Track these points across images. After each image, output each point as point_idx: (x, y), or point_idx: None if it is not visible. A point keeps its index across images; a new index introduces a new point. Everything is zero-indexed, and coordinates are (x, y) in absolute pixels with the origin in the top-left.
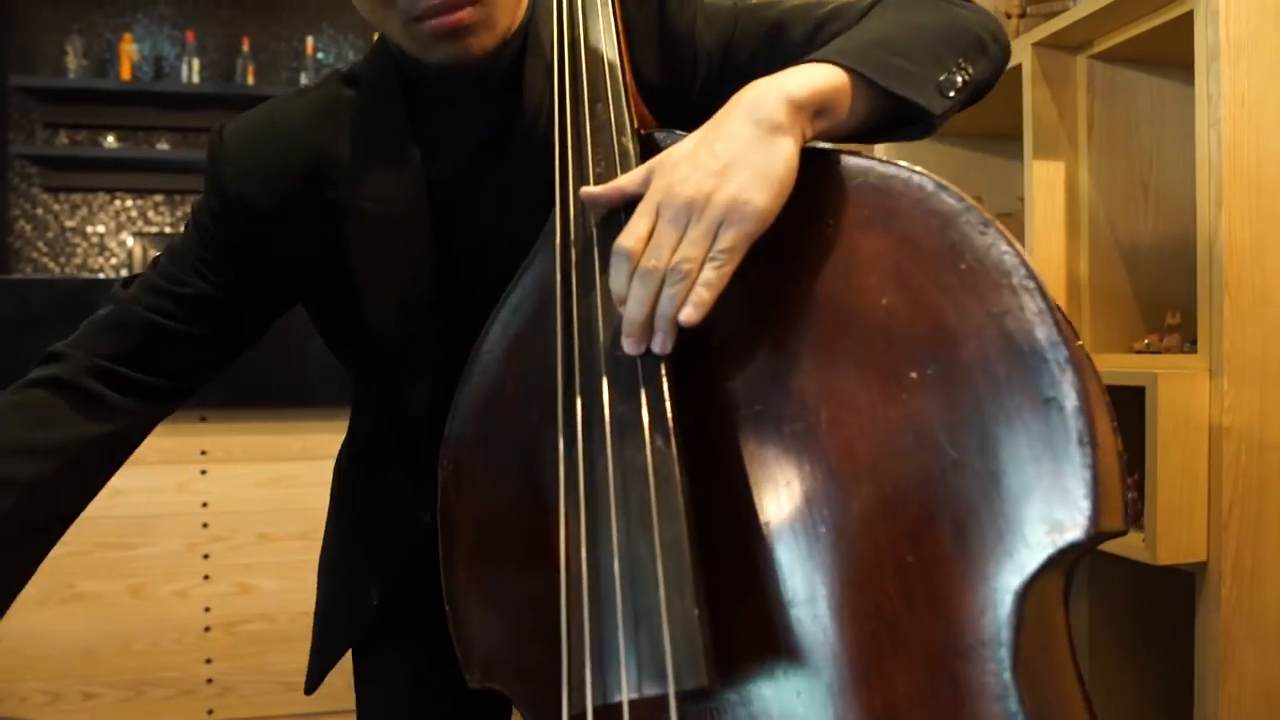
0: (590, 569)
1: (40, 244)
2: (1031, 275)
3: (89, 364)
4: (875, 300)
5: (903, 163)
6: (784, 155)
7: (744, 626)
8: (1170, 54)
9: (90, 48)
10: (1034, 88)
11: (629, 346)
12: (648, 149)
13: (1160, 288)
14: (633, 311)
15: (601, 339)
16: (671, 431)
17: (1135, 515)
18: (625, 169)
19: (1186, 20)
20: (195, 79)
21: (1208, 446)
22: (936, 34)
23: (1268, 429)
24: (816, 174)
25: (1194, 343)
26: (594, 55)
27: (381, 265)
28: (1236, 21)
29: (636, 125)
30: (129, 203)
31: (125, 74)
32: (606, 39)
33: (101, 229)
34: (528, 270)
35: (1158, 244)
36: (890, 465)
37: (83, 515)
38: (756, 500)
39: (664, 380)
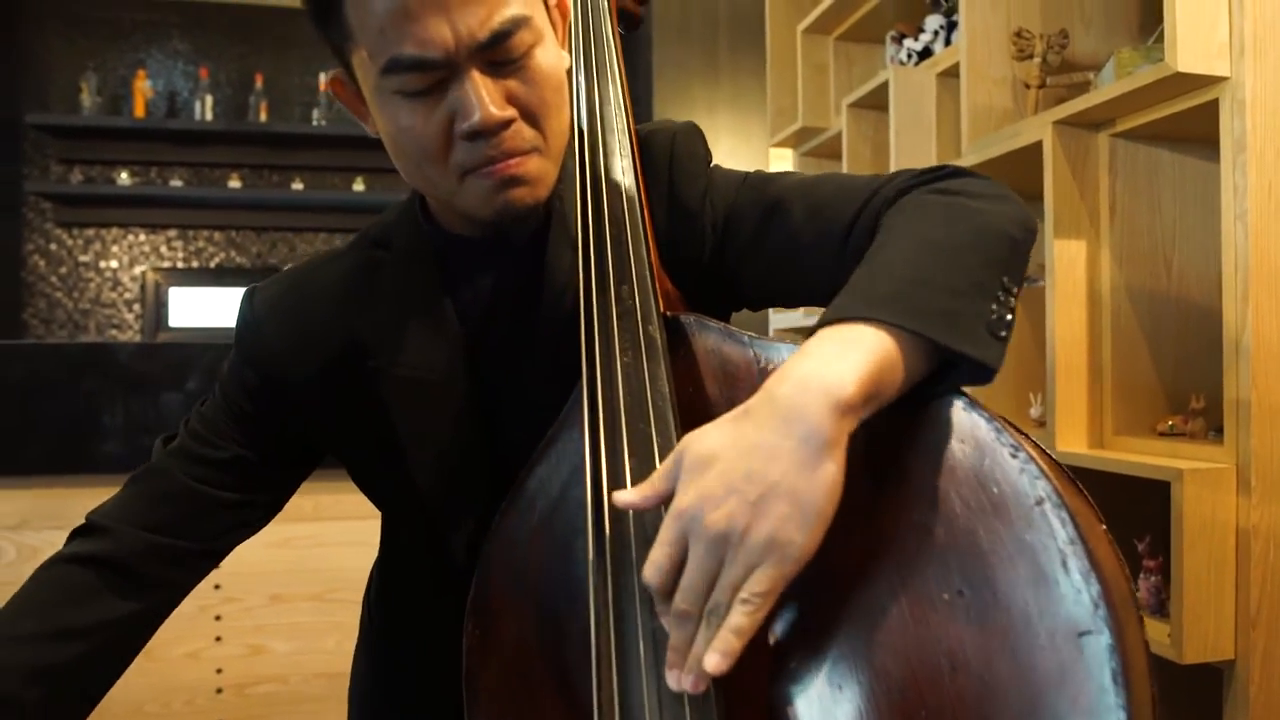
0: None
1: (54, 278)
2: (1064, 504)
3: (136, 540)
4: (908, 519)
5: None
6: (828, 483)
7: None
8: (1193, 132)
9: (105, 85)
10: (1054, 165)
11: (672, 681)
12: (673, 333)
13: (1183, 367)
14: (676, 654)
15: (635, 554)
16: None
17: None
18: (652, 359)
19: (1211, 105)
20: (208, 116)
21: (1235, 544)
22: (970, 251)
23: None
24: None
25: (1219, 430)
26: (618, 235)
27: (422, 428)
28: (1263, 112)
29: (663, 308)
30: (142, 238)
31: (139, 111)
32: (630, 218)
33: (115, 264)
34: (552, 447)
35: (1181, 323)
36: (924, 687)
37: None
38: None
39: None
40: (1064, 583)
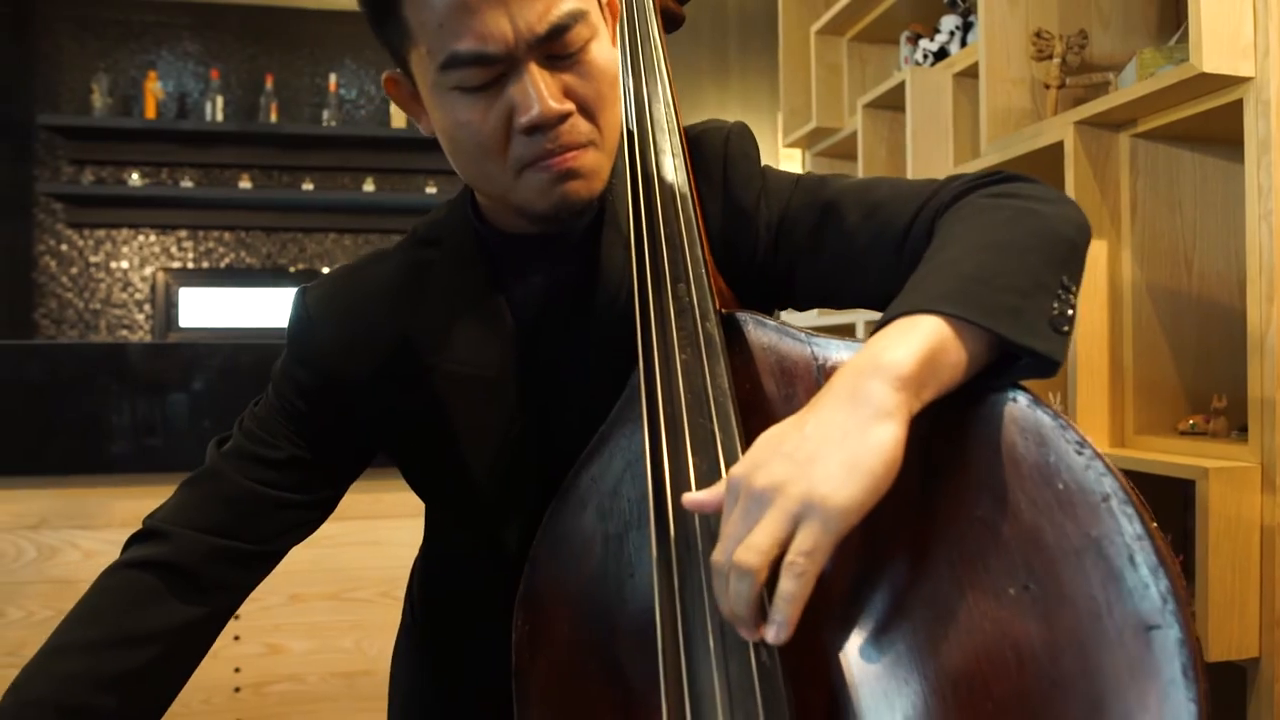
0: None
1: (64, 279)
2: (1130, 499)
3: (197, 544)
4: (970, 513)
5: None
6: (883, 444)
7: None
8: (1215, 133)
9: (116, 86)
10: (1075, 165)
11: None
12: (730, 330)
13: (1204, 367)
14: (721, 607)
15: (701, 547)
16: (775, 647)
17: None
18: (711, 356)
19: (1235, 105)
20: (219, 116)
21: (1259, 542)
22: (1032, 251)
23: None
24: None
25: (1243, 429)
26: (671, 234)
27: (477, 424)
28: None
29: (718, 305)
30: (152, 238)
31: (150, 112)
32: (685, 217)
33: (125, 264)
34: (604, 444)
35: (1201, 323)
36: (989, 682)
37: None
38: (853, 709)
39: None
40: (1132, 578)
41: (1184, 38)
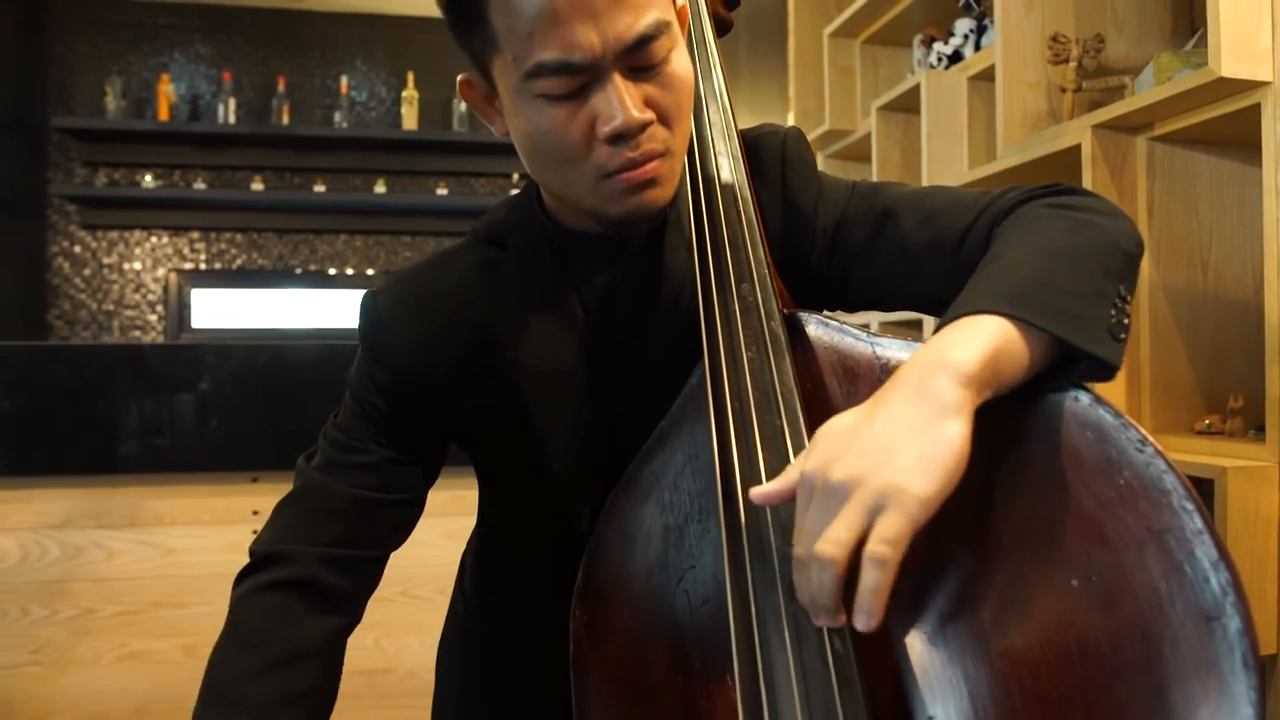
0: None
1: (78, 280)
2: (1190, 495)
3: (314, 559)
4: (1033, 507)
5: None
6: (953, 439)
7: None
8: (1231, 136)
9: (129, 88)
10: (1093, 168)
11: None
12: (793, 329)
13: (1221, 367)
14: (800, 596)
15: (772, 539)
16: (848, 634)
17: None
18: (776, 354)
19: (1253, 109)
20: (231, 119)
21: (1278, 540)
22: (1090, 260)
23: None
24: None
25: (1259, 429)
26: (734, 236)
27: (553, 417)
28: None
29: (780, 306)
30: (165, 239)
31: (163, 114)
32: (746, 219)
33: (138, 265)
34: (666, 440)
35: (1218, 323)
36: (1054, 671)
37: (137, 575)
38: (920, 697)
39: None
40: (1193, 570)
41: (1201, 42)
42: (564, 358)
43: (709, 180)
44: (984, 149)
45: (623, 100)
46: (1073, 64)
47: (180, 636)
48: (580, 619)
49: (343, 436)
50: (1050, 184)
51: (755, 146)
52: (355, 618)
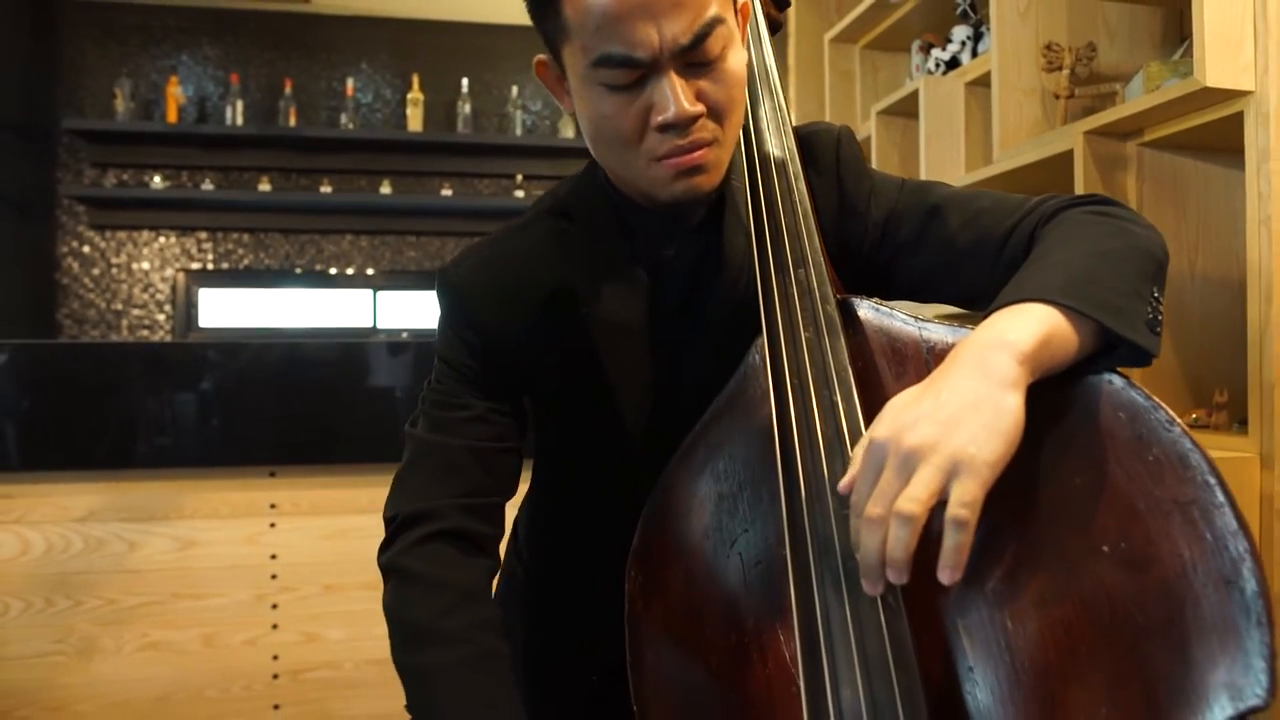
0: (834, 711)
1: (87, 280)
2: (1213, 470)
3: (456, 508)
4: (1070, 479)
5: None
6: (1013, 410)
7: None
8: (1217, 142)
9: (138, 90)
10: (1085, 172)
11: (868, 588)
12: (845, 313)
13: (1206, 363)
14: (867, 559)
15: (830, 502)
16: (899, 591)
17: None
18: (831, 335)
19: (1236, 117)
20: (239, 120)
21: (1259, 527)
22: (1129, 262)
23: None
24: None
25: (1243, 422)
26: (791, 225)
27: (626, 372)
28: None
29: (834, 291)
30: (173, 240)
31: (171, 116)
32: (802, 209)
33: (146, 265)
34: (722, 413)
35: (1204, 321)
36: (1086, 628)
37: (158, 567)
38: (962, 648)
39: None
40: (1214, 539)
41: (1189, 51)
42: (633, 318)
43: (767, 171)
44: (981, 153)
45: (676, 94)
46: (1066, 71)
47: (199, 627)
48: (636, 579)
49: (443, 398)
50: (1088, 194)
51: (809, 142)
52: (498, 561)
